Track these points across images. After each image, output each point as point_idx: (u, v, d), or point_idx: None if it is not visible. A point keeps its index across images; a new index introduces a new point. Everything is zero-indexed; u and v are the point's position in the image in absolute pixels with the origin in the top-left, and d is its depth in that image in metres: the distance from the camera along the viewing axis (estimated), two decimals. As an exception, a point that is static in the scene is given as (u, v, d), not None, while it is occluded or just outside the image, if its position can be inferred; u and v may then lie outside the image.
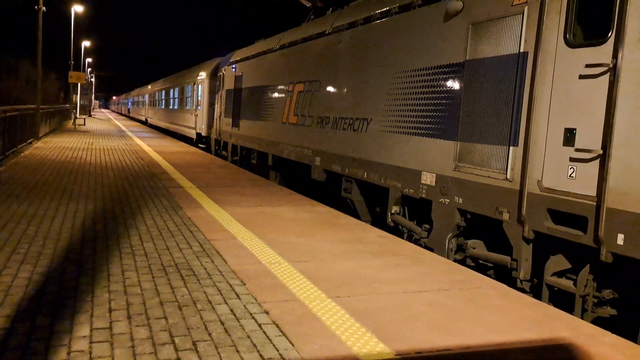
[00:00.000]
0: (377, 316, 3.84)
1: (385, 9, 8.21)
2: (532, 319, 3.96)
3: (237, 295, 4.13)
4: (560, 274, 5.24)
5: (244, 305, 3.92)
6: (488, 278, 5.09)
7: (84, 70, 56.20)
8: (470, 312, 4.04)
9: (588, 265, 4.87)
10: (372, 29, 8.51)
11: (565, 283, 5.09)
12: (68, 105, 39.83)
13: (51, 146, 17.14)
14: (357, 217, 8.78)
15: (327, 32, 10.14)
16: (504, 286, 4.79)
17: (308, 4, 13.47)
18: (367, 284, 4.57)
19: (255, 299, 4.07)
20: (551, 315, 4.10)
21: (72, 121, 35.29)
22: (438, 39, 6.79)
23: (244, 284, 4.39)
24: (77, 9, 38.65)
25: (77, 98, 43.77)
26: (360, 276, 4.79)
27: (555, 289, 5.17)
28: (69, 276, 4.39)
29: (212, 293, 4.16)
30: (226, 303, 3.96)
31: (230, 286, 4.34)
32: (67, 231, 5.92)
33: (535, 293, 5.42)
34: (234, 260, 5.06)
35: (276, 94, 12.73)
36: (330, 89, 9.84)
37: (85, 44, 56.49)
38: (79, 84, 41.12)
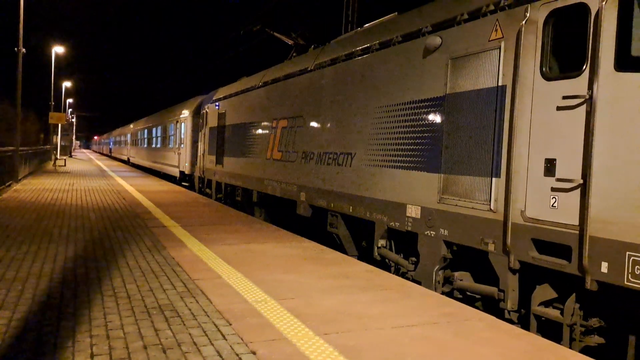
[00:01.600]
0: (367, 353, 3.78)
1: (366, 45, 8.37)
2: (520, 350, 3.94)
3: (223, 336, 4.04)
4: (547, 303, 5.24)
5: (231, 346, 3.84)
6: (476, 310, 5.07)
7: (64, 111, 56.03)
8: (459, 346, 4.00)
9: (574, 294, 4.88)
10: (353, 65, 8.66)
11: (553, 313, 5.09)
12: (48, 147, 39.48)
13: (31, 188, 16.91)
14: (344, 251, 8.74)
15: (309, 69, 10.29)
16: (492, 318, 4.77)
17: (290, 42, 13.71)
18: (355, 320, 4.51)
19: (242, 339, 3.99)
20: (539, 345, 4.08)
21: (52, 162, 34.96)
22: (418, 74, 6.92)
23: (230, 324, 4.31)
24: (58, 50, 38.75)
25: (58, 139, 43.45)
26: (349, 312, 4.73)
27: (543, 318, 5.16)
28: (49, 321, 4.26)
29: (197, 334, 4.06)
30: (212, 344, 3.87)
31: (216, 327, 4.25)
32: (47, 275, 5.78)
33: (524, 323, 5.40)
34: (220, 300, 4.98)
35: (260, 131, 12.79)
36: (313, 124, 9.92)
37: (66, 84, 56.44)
38: (59, 125, 40.89)
